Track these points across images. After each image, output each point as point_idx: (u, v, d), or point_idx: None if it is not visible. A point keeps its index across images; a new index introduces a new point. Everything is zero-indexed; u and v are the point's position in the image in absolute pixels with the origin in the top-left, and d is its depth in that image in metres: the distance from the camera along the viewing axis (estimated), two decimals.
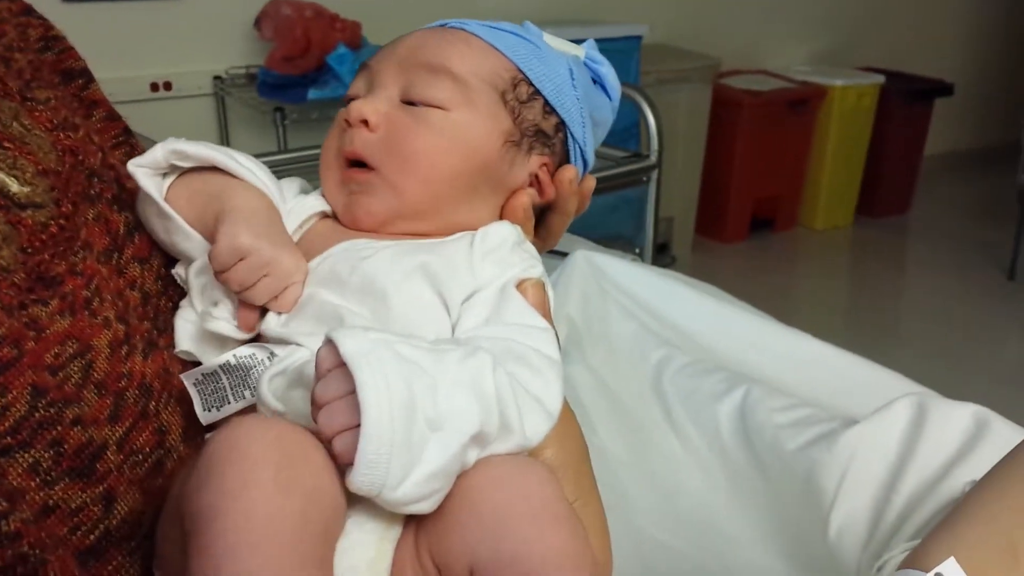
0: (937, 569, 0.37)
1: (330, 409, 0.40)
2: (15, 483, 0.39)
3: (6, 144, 0.49)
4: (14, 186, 0.48)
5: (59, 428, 0.43)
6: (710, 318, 1.21)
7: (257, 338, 0.53)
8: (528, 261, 0.55)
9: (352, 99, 0.59)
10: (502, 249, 0.55)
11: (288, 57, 2.34)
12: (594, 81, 0.66)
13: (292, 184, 0.61)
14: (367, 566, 0.42)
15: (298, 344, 0.49)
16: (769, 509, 0.96)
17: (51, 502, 0.42)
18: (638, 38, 2.69)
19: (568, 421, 0.53)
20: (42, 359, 0.44)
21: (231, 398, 0.49)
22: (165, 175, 0.57)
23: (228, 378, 0.49)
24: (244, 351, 0.50)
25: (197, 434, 0.51)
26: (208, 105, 2.51)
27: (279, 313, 0.52)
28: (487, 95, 0.58)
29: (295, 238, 0.57)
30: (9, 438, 0.41)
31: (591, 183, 0.66)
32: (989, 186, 4.45)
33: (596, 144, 0.66)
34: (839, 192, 3.83)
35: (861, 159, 3.81)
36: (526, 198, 0.60)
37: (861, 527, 0.86)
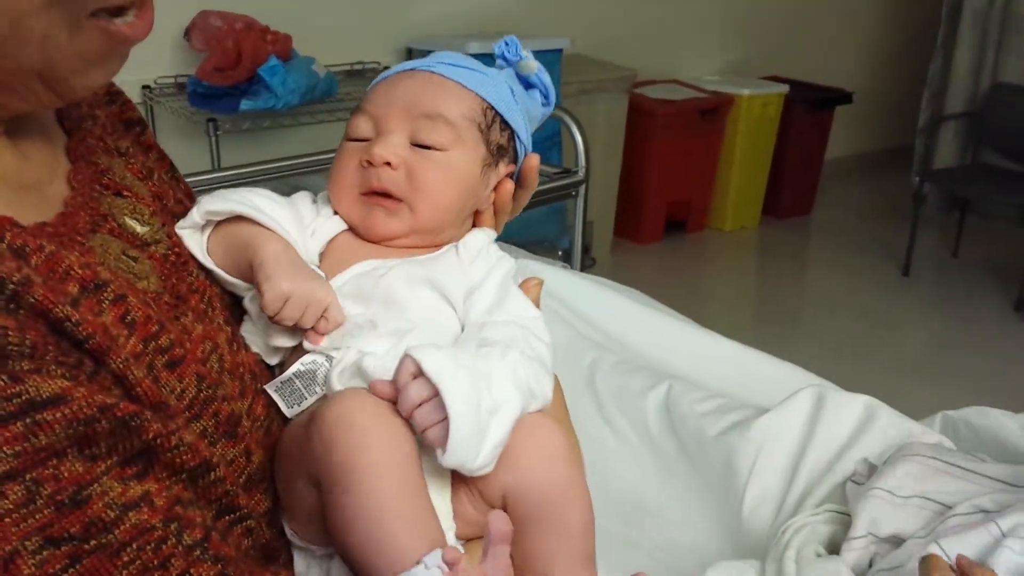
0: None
1: (422, 411, 0.55)
2: (194, 443, 0.53)
3: (125, 193, 0.61)
4: (139, 228, 0.61)
5: (216, 403, 0.57)
6: (635, 322, 1.33)
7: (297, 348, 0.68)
8: (503, 256, 0.73)
9: (355, 139, 0.73)
10: (483, 252, 0.72)
11: (219, 68, 2.37)
12: (529, 85, 0.80)
13: (304, 199, 0.74)
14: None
15: (347, 347, 0.64)
16: (693, 489, 1.08)
17: (215, 456, 0.55)
18: (559, 51, 2.80)
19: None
20: (196, 354, 0.57)
21: (306, 394, 0.64)
22: (203, 228, 0.68)
23: (300, 381, 0.64)
24: (308, 359, 0.65)
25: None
26: None
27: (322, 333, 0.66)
28: (471, 132, 0.72)
29: (320, 249, 0.70)
30: (187, 412, 0.54)
31: (536, 160, 0.81)
32: (885, 188, 4.73)
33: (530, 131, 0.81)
34: (746, 195, 4.02)
35: (766, 164, 4.01)
36: (510, 184, 0.77)
37: (771, 502, 1.00)
